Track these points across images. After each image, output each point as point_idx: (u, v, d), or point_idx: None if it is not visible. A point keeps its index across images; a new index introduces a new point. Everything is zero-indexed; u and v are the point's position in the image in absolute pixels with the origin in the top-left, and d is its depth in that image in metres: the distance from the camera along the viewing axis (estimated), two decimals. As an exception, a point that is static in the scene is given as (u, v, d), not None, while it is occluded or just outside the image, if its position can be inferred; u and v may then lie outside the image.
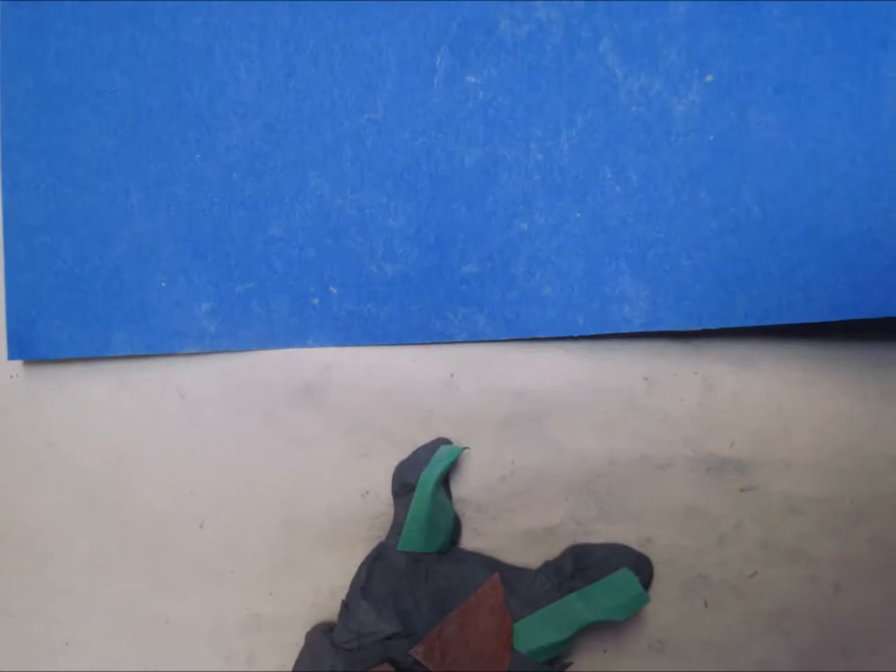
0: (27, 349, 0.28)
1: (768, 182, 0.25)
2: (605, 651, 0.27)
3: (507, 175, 0.26)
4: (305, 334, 0.27)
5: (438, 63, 0.26)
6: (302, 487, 0.28)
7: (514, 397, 0.27)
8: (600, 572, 0.26)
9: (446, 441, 0.27)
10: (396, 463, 0.27)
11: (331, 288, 0.27)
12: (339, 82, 0.26)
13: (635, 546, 0.27)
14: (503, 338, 0.26)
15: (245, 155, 0.26)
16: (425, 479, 0.26)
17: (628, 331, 0.26)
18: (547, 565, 0.27)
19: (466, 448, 0.27)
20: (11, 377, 0.28)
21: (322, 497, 0.28)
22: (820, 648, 0.27)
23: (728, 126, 0.25)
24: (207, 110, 0.26)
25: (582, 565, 0.26)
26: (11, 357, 0.28)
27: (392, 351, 0.27)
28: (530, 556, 0.27)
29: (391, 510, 0.27)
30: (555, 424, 0.27)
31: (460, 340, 0.27)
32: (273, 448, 0.28)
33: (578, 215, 0.26)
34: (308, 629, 0.28)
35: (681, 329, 0.25)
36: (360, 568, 0.26)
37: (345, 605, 0.26)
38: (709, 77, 0.25)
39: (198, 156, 0.27)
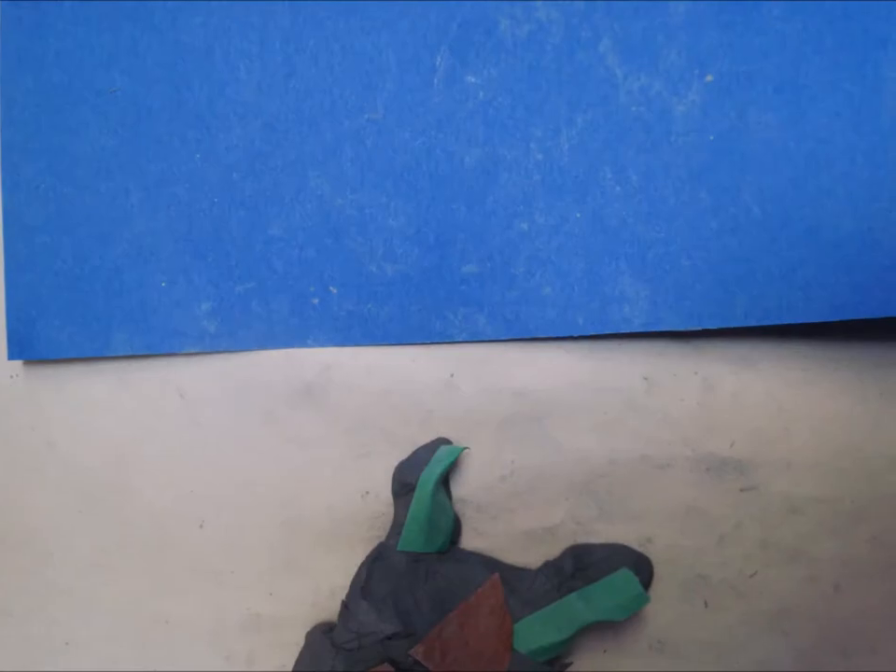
0: (27, 349, 0.28)
1: (768, 182, 0.25)
2: (605, 651, 0.27)
3: (507, 175, 0.26)
4: (305, 334, 0.27)
5: (438, 63, 0.26)
6: (302, 487, 0.28)
7: (514, 397, 0.27)
8: (600, 572, 0.26)
9: (446, 441, 0.27)
10: (396, 463, 0.27)
11: (331, 288, 0.27)
12: (339, 82, 0.26)
13: (635, 546, 0.27)
14: (503, 338, 0.26)
15: (245, 155, 0.26)
16: (425, 479, 0.26)
17: (628, 331, 0.26)
18: (547, 565, 0.27)
19: (466, 448, 0.27)
20: (11, 377, 0.28)
21: (322, 496, 0.28)
22: (820, 648, 0.27)
23: (728, 126, 0.25)
24: (207, 110, 0.26)
25: (582, 565, 0.26)
26: (11, 357, 0.28)
27: (392, 351, 0.27)
28: (530, 556, 0.27)
29: (391, 510, 0.27)
30: (555, 424, 0.27)
31: (460, 340, 0.27)
32: (272, 448, 0.28)
33: (578, 215, 0.26)
34: (308, 629, 0.28)
35: (681, 328, 0.25)
36: (360, 568, 0.26)
37: (345, 605, 0.26)
38: (709, 77, 0.25)
39: (198, 156, 0.27)
